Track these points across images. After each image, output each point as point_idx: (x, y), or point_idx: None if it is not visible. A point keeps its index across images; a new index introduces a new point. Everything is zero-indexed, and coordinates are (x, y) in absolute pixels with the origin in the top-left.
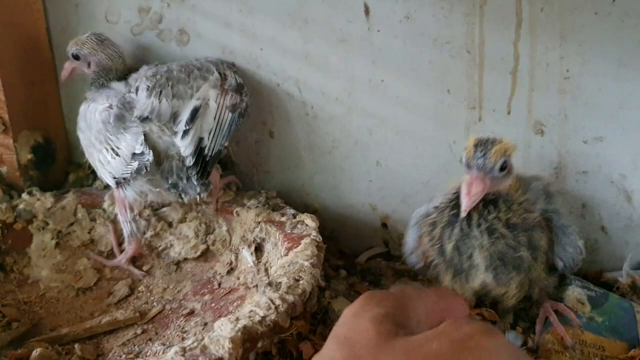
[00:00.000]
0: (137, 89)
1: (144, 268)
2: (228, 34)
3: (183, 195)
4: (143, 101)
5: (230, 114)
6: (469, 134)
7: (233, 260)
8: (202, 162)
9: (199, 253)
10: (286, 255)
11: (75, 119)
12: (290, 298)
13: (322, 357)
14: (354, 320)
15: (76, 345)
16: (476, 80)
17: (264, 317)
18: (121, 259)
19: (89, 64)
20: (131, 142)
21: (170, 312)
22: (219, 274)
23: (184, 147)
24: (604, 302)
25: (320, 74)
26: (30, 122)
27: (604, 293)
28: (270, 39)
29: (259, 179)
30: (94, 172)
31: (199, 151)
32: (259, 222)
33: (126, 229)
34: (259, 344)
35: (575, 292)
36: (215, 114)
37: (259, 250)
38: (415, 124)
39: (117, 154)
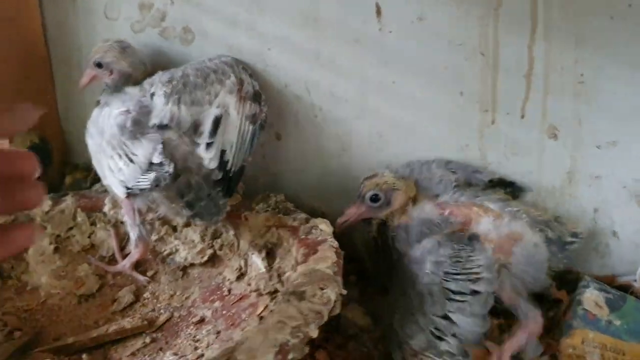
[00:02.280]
0: (152, 95)
1: (148, 274)
2: (235, 32)
3: (198, 219)
4: (160, 107)
5: (251, 126)
6: (482, 137)
7: (242, 266)
8: (226, 178)
9: (205, 258)
10: (304, 262)
11: (71, 118)
12: (317, 307)
13: None
14: None
15: (84, 356)
16: (490, 82)
17: (294, 328)
18: (125, 263)
19: (111, 72)
20: (148, 149)
21: (179, 319)
22: (228, 279)
23: (209, 159)
24: (622, 304)
25: (330, 75)
26: None
27: (622, 295)
28: (279, 38)
29: (264, 182)
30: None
31: (223, 165)
32: (270, 227)
33: (134, 232)
34: (290, 356)
35: (593, 294)
36: (238, 125)
37: (270, 255)
38: (427, 127)
39: (131, 161)
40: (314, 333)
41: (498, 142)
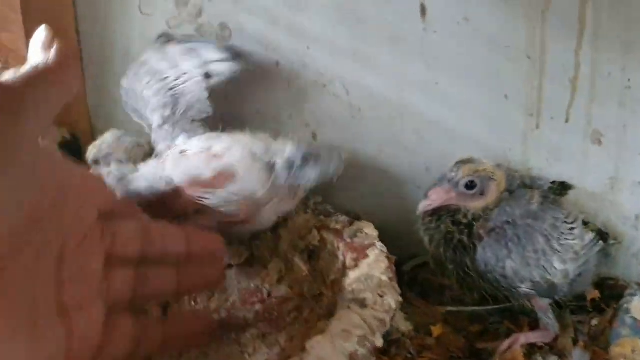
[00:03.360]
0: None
1: None
2: (273, 30)
3: None
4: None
5: None
6: (526, 141)
7: (283, 268)
8: None
9: (243, 259)
10: (355, 266)
11: (102, 114)
12: (379, 315)
13: None
14: None
15: None
16: (535, 86)
17: (360, 337)
18: None
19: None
20: None
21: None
22: (268, 281)
23: None
24: None
25: (370, 75)
26: (56, 117)
27: None
28: (319, 36)
29: None
30: None
31: None
32: (311, 228)
33: None
34: None
35: None
36: None
37: (312, 258)
38: (469, 129)
39: None
40: (380, 342)
41: (541, 147)
